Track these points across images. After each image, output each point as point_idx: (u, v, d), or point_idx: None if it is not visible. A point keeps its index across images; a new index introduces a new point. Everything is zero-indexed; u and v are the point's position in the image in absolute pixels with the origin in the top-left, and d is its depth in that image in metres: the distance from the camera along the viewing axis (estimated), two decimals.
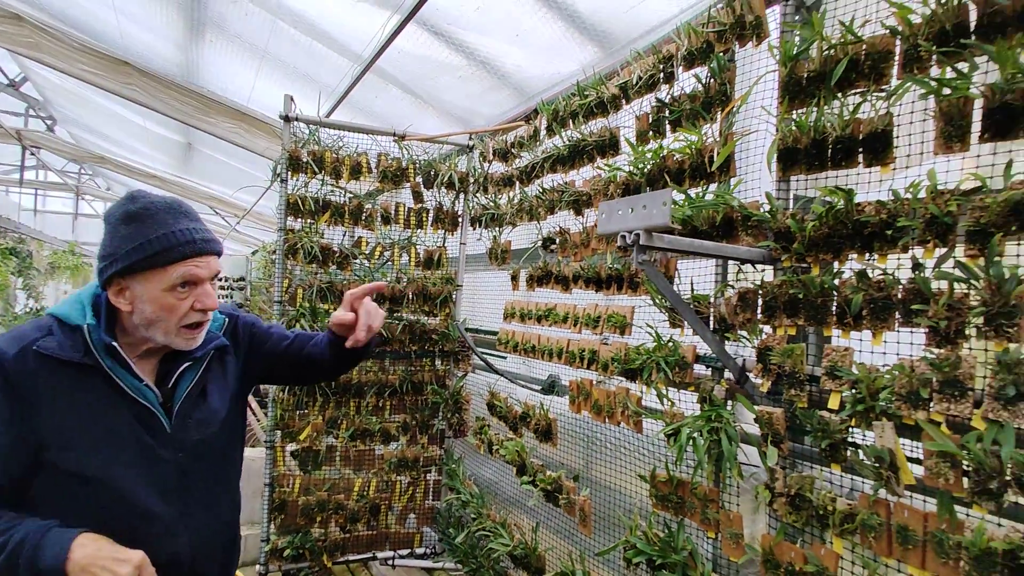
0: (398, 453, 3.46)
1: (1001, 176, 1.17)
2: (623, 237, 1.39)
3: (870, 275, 1.37)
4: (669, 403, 1.89)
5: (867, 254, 1.39)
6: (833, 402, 1.41)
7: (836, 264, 1.48)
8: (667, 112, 1.99)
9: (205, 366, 1.43)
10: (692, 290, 1.90)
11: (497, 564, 2.88)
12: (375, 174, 3.38)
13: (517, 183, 2.96)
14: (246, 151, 5.23)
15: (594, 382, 2.30)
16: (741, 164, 1.82)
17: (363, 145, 3.41)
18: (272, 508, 3.24)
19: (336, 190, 3.33)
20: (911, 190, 1.29)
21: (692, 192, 1.83)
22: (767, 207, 1.64)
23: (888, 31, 1.36)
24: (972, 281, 1.18)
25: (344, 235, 3.44)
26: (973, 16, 1.22)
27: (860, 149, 1.42)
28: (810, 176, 1.58)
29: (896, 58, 1.36)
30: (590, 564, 2.36)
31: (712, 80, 1.83)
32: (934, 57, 1.28)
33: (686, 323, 1.78)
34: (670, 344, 1.93)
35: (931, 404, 1.22)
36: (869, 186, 1.50)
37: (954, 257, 1.22)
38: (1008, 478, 1.10)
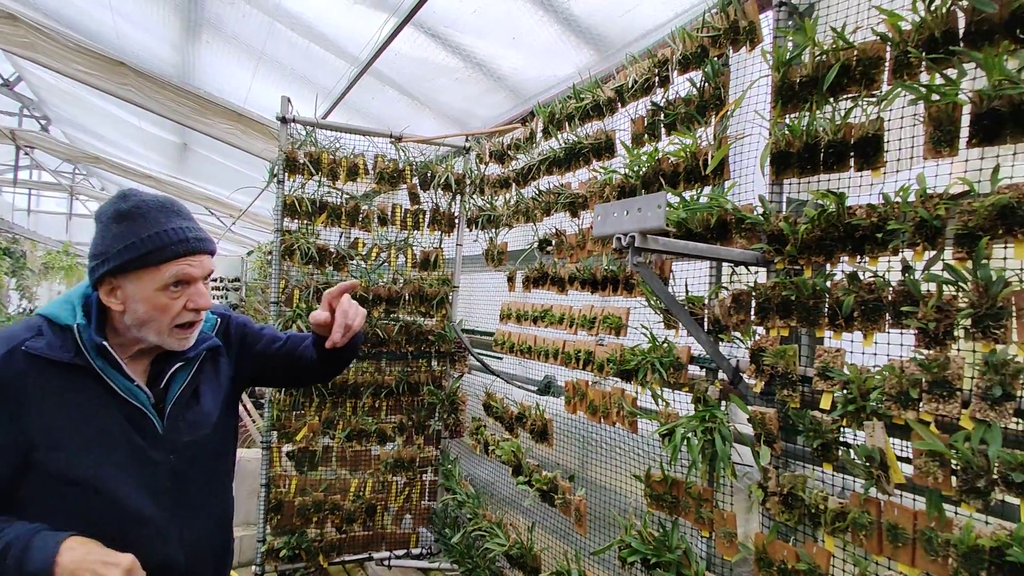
0: (394, 454, 3.47)
1: (988, 181, 1.19)
2: (619, 239, 1.41)
3: (861, 277, 1.39)
4: (664, 403, 1.91)
5: (858, 257, 1.41)
6: (825, 402, 1.43)
7: (828, 266, 1.50)
8: (662, 115, 2.01)
9: (197, 367, 1.41)
10: (687, 292, 1.92)
11: (493, 564, 2.89)
12: (372, 175, 3.39)
13: (513, 185, 2.98)
14: (242, 152, 5.23)
15: (590, 383, 2.31)
16: (735, 167, 1.84)
17: (360, 146, 3.42)
18: (268, 509, 3.24)
19: (333, 191, 3.34)
20: (901, 194, 1.32)
21: (687, 195, 1.85)
22: (760, 210, 1.66)
23: (879, 37, 1.38)
24: (960, 283, 1.20)
25: (341, 236, 3.44)
26: (961, 23, 1.25)
27: (852, 153, 1.44)
28: (803, 179, 1.60)
29: (887, 64, 1.38)
30: (585, 563, 2.37)
31: (706, 84, 1.85)
32: (923, 63, 1.30)
33: (681, 324, 1.80)
34: (665, 345, 1.94)
35: (920, 404, 1.24)
36: (860, 190, 1.52)
37: (943, 260, 1.24)
38: (995, 477, 1.12)
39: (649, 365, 1.94)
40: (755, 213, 1.67)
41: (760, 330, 1.66)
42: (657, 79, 2.04)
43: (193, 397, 1.40)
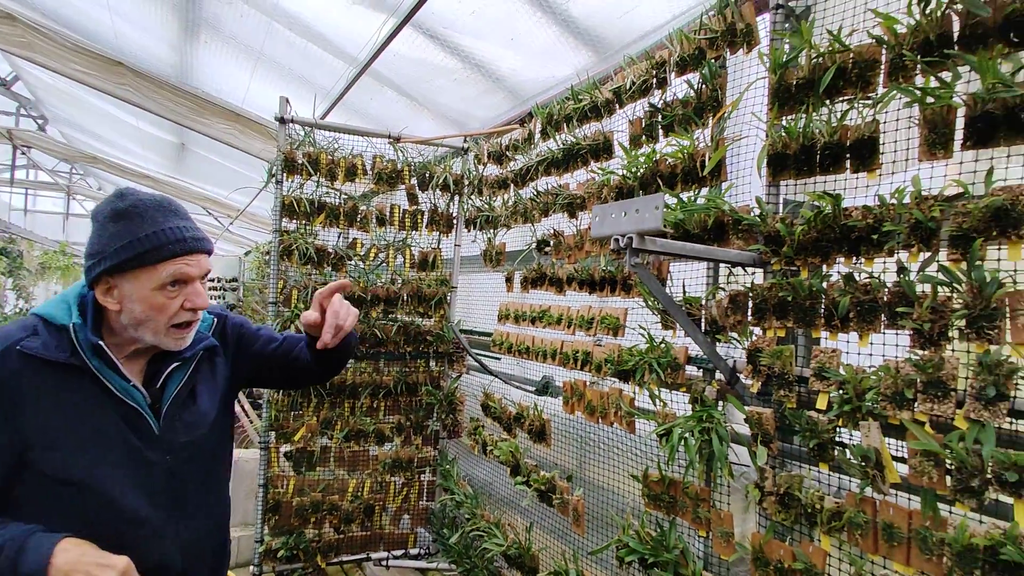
0: (392, 454, 3.47)
1: (982, 183, 1.20)
2: (616, 240, 1.42)
3: (857, 278, 1.40)
4: (661, 404, 1.92)
5: (854, 258, 1.42)
6: (821, 402, 1.44)
7: (824, 267, 1.51)
8: (660, 117, 2.02)
9: (194, 367, 1.41)
10: (684, 292, 1.93)
11: (491, 564, 2.89)
12: (370, 176, 3.39)
13: (512, 185, 2.98)
14: (240, 152, 5.23)
15: (588, 383, 2.32)
16: (732, 169, 1.85)
17: (358, 147, 3.42)
18: (266, 509, 3.24)
19: (331, 192, 3.34)
20: (896, 196, 1.33)
21: (684, 196, 1.86)
22: (757, 211, 1.67)
23: (874, 40, 1.39)
24: (955, 285, 1.21)
25: (339, 237, 3.44)
26: (956, 27, 1.26)
27: (847, 155, 1.45)
28: (799, 181, 1.61)
29: (882, 67, 1.39)
30: (583, 563, 2.38)
31: (704, 86, 1.86)
32: (918, 66, 1.31)
33: (678, 325, 1.81)
34: (662, 346, 1.95)
35: (915, 404, 1.25)
36: (856, 191, 1.53)
37: (937, 261, 1.26)
38: (989, 476, 1.13)
39: (647, 365, 1.95)
40: (752, 214, 1.68)
41: (757, 331, 1.67)
42: (655, 81, 2.05)
43: (190, 397, 1.40)
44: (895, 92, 1.32)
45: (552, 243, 2.63)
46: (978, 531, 1.15)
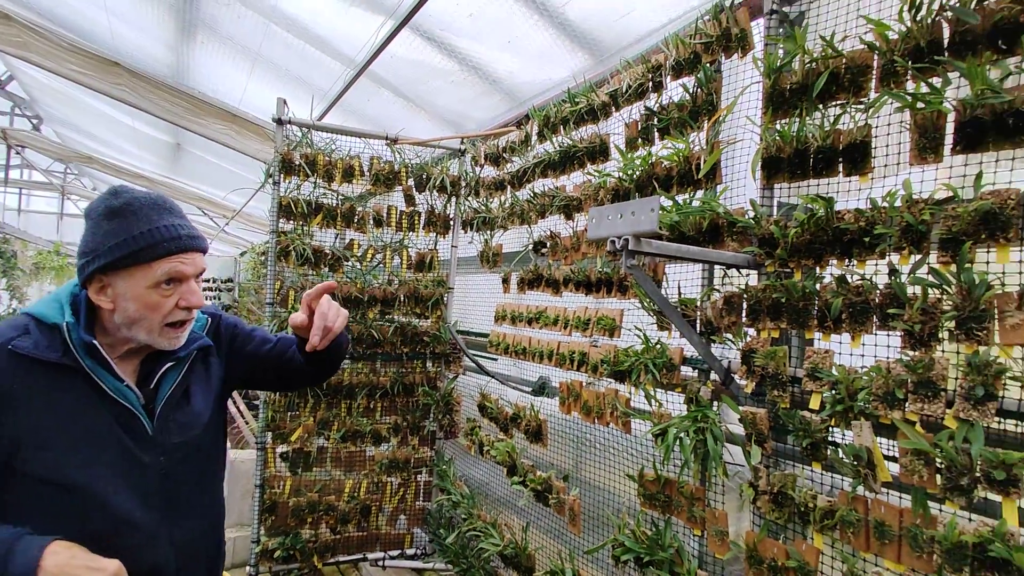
0: (389, 454, 3.47)
1: (972, 187, 1.22)
2: (612, 242, 1.43)
3: (849, 280, 1.42)
4: (657, 404, 1.93)
5: (846, 260, 1.44)
6: (814, 402, 1.46)
7: (817, 269, 1.53)
8: (656, 120, 2.04)
9: (188, 367, 1.39)
10: (679, 294, 1.95)
11: (487, 564, 2.90)
12: (367, 177, 3.40)
13: (508, 187, 3.00)
14: (236, 152, 5.23)
15: (584, 384, 2.34)
16: (727, 172, 1.87)
17: (355, 148, 3.43)
18: (262, 510, 3.24)
19: (328, 193, 3.35)
20: (888, 199, 1.35)
21: (679, 198, 1.88)
22: (752, 214, 1.69)
23: (867, 46, 1.41)
24: (945, 287, 1.23)
25: (336, 237, 3.45)
26: (946, 34, 1.28)
27: (840, 159, 1.47)
28: (793, 184, 1.63)
29: (874, 72, 1.42)
30: (579, 563, 2.39)
31: (699, 90, 1.88)
32: (909, 72, 1.33)
33: (673, 326, 1.83)
34: (658, 346, 1.97)
35: (906, 404, 1.27)
36: (848, 194, 1.55)
37: (928, 263, 1.28)
38: (978, 474, 1.15)
39: (642, 366, 1.97)
40: (746, 217, 1.70)
41: (751, 332, 1.68)
42: (651, 84, 2.07)
43: (183, 398, 1.38)
44: (887, 97, 1.34)
45: (549, 244, 2.64)
46: (967, 529, 1.17)
